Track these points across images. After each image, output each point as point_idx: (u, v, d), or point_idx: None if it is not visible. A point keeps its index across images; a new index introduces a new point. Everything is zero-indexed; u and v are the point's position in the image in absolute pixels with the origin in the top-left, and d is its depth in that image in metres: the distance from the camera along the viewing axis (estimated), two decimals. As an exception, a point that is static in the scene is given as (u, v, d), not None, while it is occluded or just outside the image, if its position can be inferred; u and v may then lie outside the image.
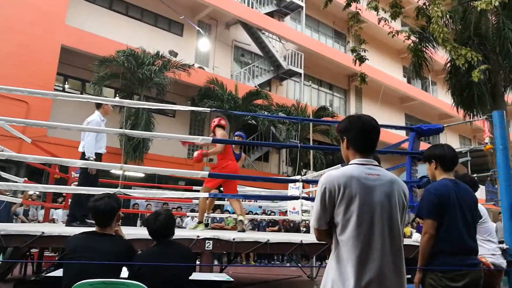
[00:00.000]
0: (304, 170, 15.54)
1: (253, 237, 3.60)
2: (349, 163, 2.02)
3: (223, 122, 5.24)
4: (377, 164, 2.01)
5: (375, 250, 1.82)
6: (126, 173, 10.26)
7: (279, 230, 11.24)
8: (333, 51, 20.42)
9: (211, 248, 3.49)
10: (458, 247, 2.53)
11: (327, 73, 21.14)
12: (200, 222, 5.16)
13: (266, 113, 16.07)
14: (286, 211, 5.74)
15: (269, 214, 12.39)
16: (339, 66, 19.99)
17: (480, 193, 11.97)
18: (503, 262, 3.44)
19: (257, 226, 12.05)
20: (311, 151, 14.19)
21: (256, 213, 12.69)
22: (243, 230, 4.99)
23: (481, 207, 3.34)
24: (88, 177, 4.62)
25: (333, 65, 20.13)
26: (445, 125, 5.21)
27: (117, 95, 14.17)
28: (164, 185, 11.27)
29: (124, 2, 15.65)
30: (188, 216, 11.61)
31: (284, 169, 18.25)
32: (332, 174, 1.95)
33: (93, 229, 2.58)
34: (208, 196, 4.86)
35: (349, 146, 2.03)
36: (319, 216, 1.94)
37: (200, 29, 15.30)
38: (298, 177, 4.76)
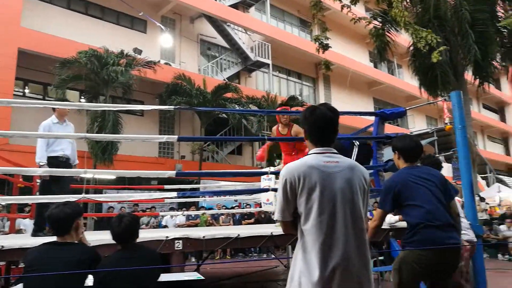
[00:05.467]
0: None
1: (223, 233, 3.57)
2: (308, 153, 2.04)
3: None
4: (336, 152, 2.02)
5: (339, 237, 1.84)
6: (97, 176, 10.01)
7: (255, 222, 11.26)
8: (299, 40, 20.48)
9: (181, 248, 3.43)
10: (431, 221, 2.60)
11: (295, 62, 21.21)
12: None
13: (236, 106, 15.98)
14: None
15: (245, 207, 12.39)
16: (306, 55, 20.07)
17: (448, 171, 12.37)
18: (474, 237, 3.55)
19: (232, 219, 12.03)
20: (283, 141, 14.19)
21: (232, 207, 12.68)
22: None
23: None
24: (45, 185, 4.44)
25: (300, 54, 20.20)
26: (409, 107, 5.30)
27: (82, 97, 13.76)
28: (136, 186, 11.11)
29: (83, 1, 15.15)
30: (164, 216, 11.54)
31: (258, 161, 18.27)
32: (291, 166, 1.96)
33: (55, 238, 2.48)
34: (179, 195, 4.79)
35: (307, 137, 2.04)
36: (283, 208, 1.95)
37: (162, 25, 14.96)
38: (267, 169, 4.73)
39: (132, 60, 13.37)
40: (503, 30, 12.22)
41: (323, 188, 1.86)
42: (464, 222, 3.50)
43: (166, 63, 15.96)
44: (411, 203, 2.67)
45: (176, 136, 4.05)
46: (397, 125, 23.98)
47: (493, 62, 13.13)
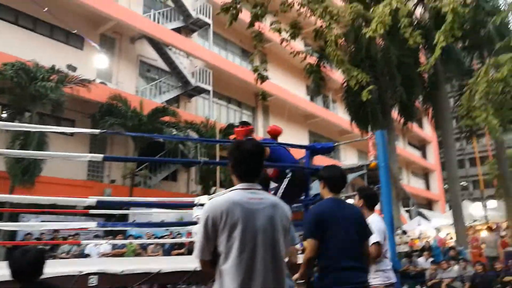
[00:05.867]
0: (214, 188, 15.39)
1: (143, 268, 3.35)
2: (232, 188, 2.01)
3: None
4: (261, 188, 2.01)
5: (257, 277, 1.79)
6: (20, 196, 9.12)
7: (187, 253, 10.87)
8: (240, 69, 20.79)
9: (96, 284, 3.16)
10: (342, 264, 2.59)
11: (236, 90, 21.43)
12: None
13: (174, 130, 15.67)
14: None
15: (176, 236, 11.94)
16: (247, 84, 20.32)
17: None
18: (394, 278, 3.52)
19: (162, 249, 11.51)
20: (218, 168, 14.07)
21: (162, 236, 12.14)
22: None
23: (383, 226, 3.49)
24: None
25: (241, 82, 20.47)
26: (337, 143, 5.50)
27: (4, 111, 12.71)
28: (58, 210, 10.28)
29: (13, 10, 14.23)
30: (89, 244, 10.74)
31: (193, 187, 17.92)
32: (214, 202, 1.92)
33: None
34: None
35: (232, 172, 2.01)
36: (203, 247, 1.87)
37: (98, 44, 14.46)
38: (196, 199, 4.57)
39: (64, 76, 12.70)
40: (425, 74, 13.36)
41: (245, 226, 1.82)
42: (386, 263, 3.50)
43: (102, 82, 15.35)
44: (325, 239, 2.64)
45: (101, 155, 3.77)
46: (330, 158, 24.90)
47: (416, 103, 14.26)
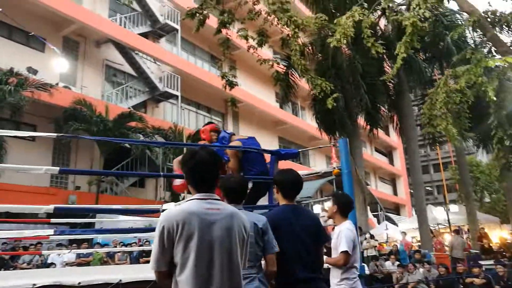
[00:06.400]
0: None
1: (102, 279, 3.23)
2: (189, 198, 1.98)
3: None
4: (218, 198, 1.98)
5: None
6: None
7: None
8: (209, 75, 20.70)
9: (50, 297, 3.02)
10: (299, 276, 2.55)
11: (205, 96, 21.33)
12: None
13: (141, 136, 15.39)
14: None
15: (144, 244, 11.67)
16: (216, 90, 20.21)
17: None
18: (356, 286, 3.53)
19: (129, 257, 11.25)
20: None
21: (129, 244, 11.85)
22: None
23: (355, 235, 3.42)
24: None
25: (210, 88, 20.38)
26: (302, 149, 5.55)
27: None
28: (18, 220, 9.84)
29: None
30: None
31: (162, 194, 17.62)
32: (170, 212, 1.88)
33: None
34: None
35: (188, 182, 1.98)
36: (158, 258, 1.82)
37: (58, 47, 13.93)
38: (160, 206, 4.49)
39: (24, 80, 12.23)
40: (390, 83, 13.77)
41: (202, 236, 1.79)
42: (353, 272, 3.40)
43: (65, 86, 14.89)
44: (281, 250, 2.56)
45: (57, 168, 3.63)
46: (300, 163, 25.15)
47: (381, 111, 14.65)
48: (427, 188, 36.15)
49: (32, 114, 13.23)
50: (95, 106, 14.40)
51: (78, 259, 10.51)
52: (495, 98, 7.28)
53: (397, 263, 11.58)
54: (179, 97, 18.86)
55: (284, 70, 12.45)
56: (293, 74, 12.86)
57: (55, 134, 3.85)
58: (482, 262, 11.24)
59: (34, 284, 3.02)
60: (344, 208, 3.38)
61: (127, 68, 17.79)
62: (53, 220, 6.19)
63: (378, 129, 15.46)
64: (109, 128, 14.08)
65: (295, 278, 2.54)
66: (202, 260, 1.77)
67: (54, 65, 14.38)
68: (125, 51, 17.04)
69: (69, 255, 10.33)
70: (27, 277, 3.65)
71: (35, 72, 13.57)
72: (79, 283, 3.15)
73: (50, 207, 3.68)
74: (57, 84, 13.99)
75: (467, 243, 13.95)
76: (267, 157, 4.54)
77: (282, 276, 2.55)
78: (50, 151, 14.88)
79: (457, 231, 13.60)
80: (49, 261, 10.49)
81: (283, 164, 5.17)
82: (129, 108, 16.29)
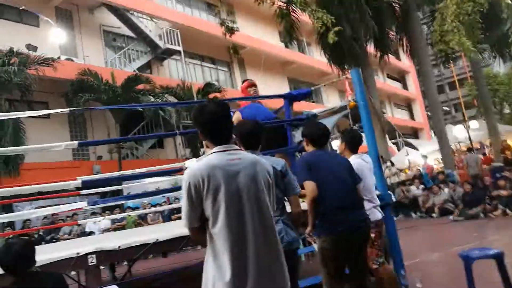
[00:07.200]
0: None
1: (139, 240, 3.37)
2: (209, 152, 1.97)
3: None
4: (237, 148, 1.99)
5: (248, 236, 1.80)
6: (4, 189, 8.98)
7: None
8: (209, 25, 20.08)
9: (95, 263, 3.18)
10: (339, 204, 2.70)
11: (208, 47, 20.81)
12: None
13: (151, 97, 15.34)
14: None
15: (174, 202, 12.04)
16: (218, 39, 19.70)
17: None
18: (379, 216, 3.60)
19: (162, 216, 11.67)
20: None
21: (159, 204, 12.23)
22: None
23: (360, 165, 3.52)
24: None
25: (211, 38, 19.81)
26: (315, 87, 5.44)
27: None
28: (50, 196, 10.22)
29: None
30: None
31: (182, 152, 17.87)
32: (194, 168, 1.87)
33: None
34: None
35: (204, 138, 1.96)
36: (189, 215, 1.85)
37: (52, 18, 13.64)
38: (182, 164, 4.55)
39: (26, 58, 12.12)
40: (396, 3, 13.11)
41: (228, 187, 1.81)
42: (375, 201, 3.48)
43: (67, 59, 14.75)
44: (320, 184, 2.72)
45: (76, 142, 3.69)
46: (313, 102, 24.88)
47: (390, 35, 14.09)
48: (444, 108, 35.57)
49: (42, 91, 13.24)
50: (101, 74, 14.29)
51: (113, 224, 10.96)
52: (510, 1, 6.87)
53: (422, 186, 11.70)
54: (182, 52, 18.51)
55: (285, 7, 11.93)
56: (294, 10, 12.33)
57: (69, 110, 3.92)
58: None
59: (78, 253, 3.17)
60: (351, 144, 3.48)
61: (125, 30, 17.40)
62: (82, 192, 6.43)
63: (389, 54, 14.99)
64: (119, 94, 14.05)
65: (339, 208, 2.70)
66: (232, 210, 1.80)
67: (51, 39, 14.17)
68: (120, 12, 16.57)
69: (105, 221, 10.78)
70: (70, 247, 3.83)
71: (35, 48, 13.40)
72: (119, 246, 3.30)
73: (78, 182, 3.79)
74: (59, 57, 13.86)
75: (483, 157, 13.83)
76: (280, 101, 4.48)
77: (325, 211, 2.71)
78: (66, 125, 15.06)
79: (470, 149, 13.43)
80: (87, 230, 11.00)
81: (297, 106, 5.11)
82: (134, 71, 16.14)
